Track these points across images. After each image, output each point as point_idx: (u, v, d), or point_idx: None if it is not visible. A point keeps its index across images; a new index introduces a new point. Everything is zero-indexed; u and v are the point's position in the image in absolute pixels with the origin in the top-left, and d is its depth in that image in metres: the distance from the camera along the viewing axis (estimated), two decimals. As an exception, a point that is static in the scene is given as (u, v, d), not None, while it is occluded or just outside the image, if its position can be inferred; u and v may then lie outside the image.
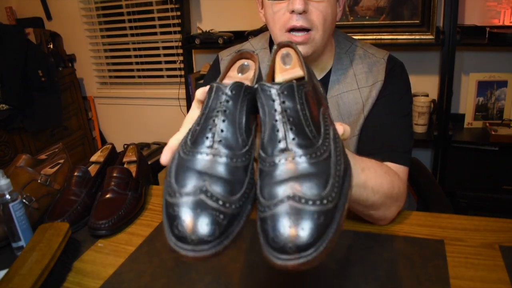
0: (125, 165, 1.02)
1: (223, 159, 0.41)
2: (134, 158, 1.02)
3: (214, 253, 0.36)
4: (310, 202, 0.36)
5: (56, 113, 2.44)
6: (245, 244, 0.75)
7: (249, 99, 0.45)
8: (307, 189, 0.37)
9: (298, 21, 0.76)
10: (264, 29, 1.89)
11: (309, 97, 0.45)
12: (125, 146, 1.07)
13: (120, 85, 2.85)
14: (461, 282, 0.62)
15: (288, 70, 0.54)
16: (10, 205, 0.73)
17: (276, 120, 0.42)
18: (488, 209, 1.86)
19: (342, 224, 0.37)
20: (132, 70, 2.76)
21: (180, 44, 2.34)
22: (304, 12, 0.76)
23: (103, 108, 2.92)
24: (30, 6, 2.72)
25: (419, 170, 1.20)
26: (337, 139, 0.44)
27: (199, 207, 0.37)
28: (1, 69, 2.07)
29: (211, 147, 0.41)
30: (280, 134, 0.42)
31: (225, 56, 0.99)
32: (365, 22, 1.98)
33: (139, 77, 2.77)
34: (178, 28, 2.44)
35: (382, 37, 1.94)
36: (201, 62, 2.48)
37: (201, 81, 2.14)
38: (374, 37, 1.95)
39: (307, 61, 0.86)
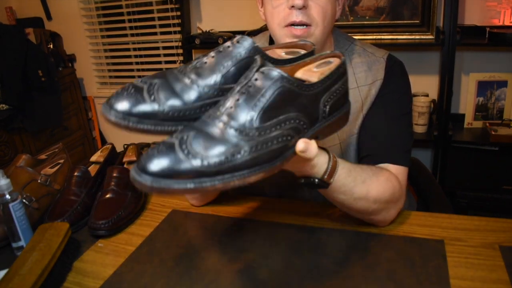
0: (125, 165, 1.02)
1: (186, 77, 0.53)
2: (134, 158, 1.02)
3: (114, 121, 0.49)
4: (195, 157, 0.43)
5: (56, 113, 2.43)
6: (245, 244, 0.75)
7: (246, 62, 0.54)
8: (195, 140, 0.45)
9: (298, 17, 0.76)
10: (264, 28, 1.89)
11: (283, 95, 0.50)
12: (125, 146, 1.07)
13: (120, 85, 2.83)
14: (461, 282, 0.62)
15: (309, 73, 0.57)
16: (10, 205, 0.73)
17: (241, 82, 0.50)
18: (488, 209, 1.85)
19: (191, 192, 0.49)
20: (132, 70, 2.76)
21: (180, 44, 2.34)
22: (304, 8, 0.76)
23: (103, 108, 2.92)
24: (30, 6, 2.72)
25: (419, 170, 1.20)
26: (273, 143, 0.49)
27: (136, 90, 0.51)
28: (1, 69, 2.07)
29: (189, 71, 0.55)
30: (233, 93, 0.49)
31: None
32: (365, 22, 1.98)
33: (139, 77, 2.77)
34: (178, 28, 2.44)
35: (382, 37, 1.94)
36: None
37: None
38: (374, 37, 1.95)
39: None
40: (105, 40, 2.74)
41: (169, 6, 2.44)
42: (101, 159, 1.01)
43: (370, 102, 0.85)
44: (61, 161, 0.98)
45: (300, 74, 0.58)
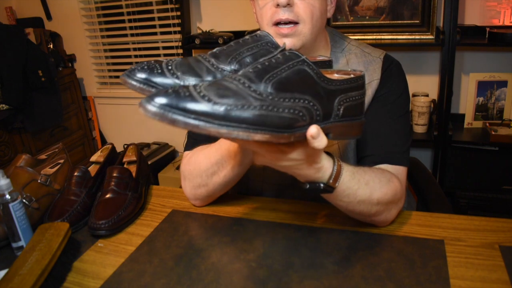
0: (125, 165, 1.02)
1: (202, 58, 0.58)
2: (134, 158, 1.02)
3: (134, 86, 0.54)
4: (201, 94, 0.46)
5: (56, 113, 2.43)
6: (245, 244, 0.75)
7: (265, 49, 0.60)
8: (214, 90, 0.47)
9: (283, 14, 0.76)
10: (264, 29, 1.89)
11: (303, 75, 0.52)
12: (125, 146, 1.07)
13: (120, 85, 2.85)
14: (461, 282, 0.62)
15: (330, 75, 0.60)
16: (10, 205, 0.73)
17: (260, 60, 0.53)
18: (488, 209, 1.86)
19: (211, 132, 0.46)
20: (132, 70, 2.76)
21: (180, 44, 2.34)
22: (289, 5, 0.76)
23: (103, 108, 2.92)
24: (30, 6, 2.72)
25: (419, 170, 1.20)
26: (293, 113, 0.51)
27: (156, 63, 0.57)
28: (1, 69, 2.07)
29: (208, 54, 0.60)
30: (249, 66, 0.52)
31: None
32: (365, 22, 1.98)
33: (139, 77, 2.76)
34: (178, 28, 2.44)
35: (382, 37, 1.94)
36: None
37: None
38: (374, 37, 1.95)
39: None
40: (105, 40, 2.74)
41: (169, 6, 2.45)
42: (101, 159, 1.01)
43: (367, 102, 0.85)
44: (61, 161, 0.98)
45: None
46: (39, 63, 2.25)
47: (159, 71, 0.55)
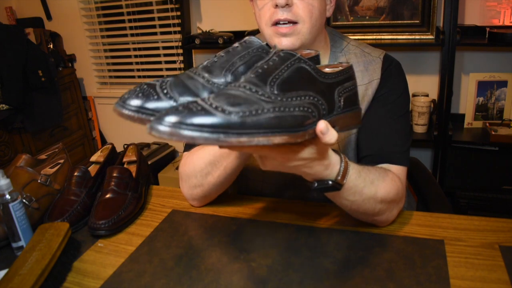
0: (125, 165, 1.02)
1: (196, 75, 0.56)
2: (134, 158, 1.02)
3: (128, 115, 0.50)
4: (214, 106, 0.44)
5: (56, 113, 2.43)
6: (245, 244, 0.75)
7: (257, 55, 0.58)
8: (218, 97, 0.46)
9: (282, 15, 0.76)
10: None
11: (301, 73, 0.53)
12: (125, 146, 1.07)
13: (120, 85, 2.85)
14: (461, 282, 0.62)
15: (322, 69, 0.59)
16: (10, 205, 0.73)
17: (256, 66, 0.52)
18: (488, 209, 1.86)
19: (227, 144, 0.45)
20: (132, 70, 2.76)
21: (180, 44, 2.34)
22: (287, 6, 0.76)
23: (103, 108, 2.92)
24: (30, 6, 2.72)
25: (419, 170, 1.20)
26: (303, 112, 0.51)
27: (149, 87, 0.52)
28: (1, 69, 2.07)
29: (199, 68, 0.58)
30: (249, 73, 0.51)
31: None
32: (365, 22, 1.98)
33: (139, 77, 2.77)
34: (178, 28, 2.44)
35: (382, 37, 1.94)
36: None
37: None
38: (374, 37, 1.95)
39: None
40: (105, 40, 2.74)
41: (169, 6, 2.45)
42: (101, 159, 1.01)
43: (367, 102, 0.85)
44: (61, 161, 0.98)
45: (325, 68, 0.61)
46: (39, 63, 2.25)
47: (155, 96, 0.51)
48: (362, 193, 0.68)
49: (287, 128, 0.48)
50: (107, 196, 0.86)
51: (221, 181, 0.81)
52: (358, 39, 0.96)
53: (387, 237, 0.75)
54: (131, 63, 2.74)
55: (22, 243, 0.75)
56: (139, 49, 2.70)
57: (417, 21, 1.89)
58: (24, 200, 0.82)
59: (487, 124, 1.87)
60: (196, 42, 2.22)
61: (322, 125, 0.52)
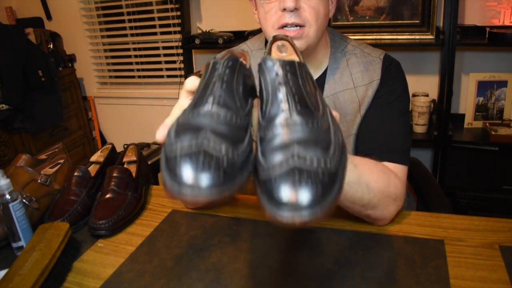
0: (125, 165, 1.02)
1: (222, 118, 0.42)
2: (134, 158, 1.02)
3: (217, 196, 0.35)
4: (315, 163, 0.37)
5: (56, 113, 2.43)
6: (245, 244, 0.75)
7: (244, 75, 0.47)
8: (310, 151, 0.38)
9: (290, 19, 0.77)
10: (264, 29, 1.89)
11: (307, 75, 0.48)
12: (125, 146, 1.07)
13: (120, 85, 2.85)
14: (461, 282, 0.62)
15: (284, 57, 0.56)
16: (10, 205, 0.73)
17: (280, 91, 0.44)
18: (488, 209, 1.86)
19: (342, 190, 0.38)
20: (132, 70, 2.76)
21: (180, 44, 2.34)
22: (295, 9, 0.76)
23: (103, 108, 2.92)
24: (30, 6, 2.72)
25: (419, 170, 1.20)
26: (334, 118, 0.46)
27: (201, 155, 0.36)
28: (1, 69, 2.07)
29: (210, 109, 0.42)
30: (283, 105, 0.43)
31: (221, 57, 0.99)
32: (365, 22, 1.98)
33: (139, 77, 2.77)
34: (178, 28, 2.44)
35: (382, 37, 1.94)
36: (201, 62, 2.48)
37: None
38: (374, 37, 1.95)
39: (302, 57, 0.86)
40: (105, 40, 2.74)
41: (169, 6, 2.45)
42: (101, 159, 1.01)
43: (367, 103, 0.85)
44: (61, 161, 0.98)
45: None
46: (39, 63, 2.25)
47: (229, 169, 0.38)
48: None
49: (344, 150, 0.43)
50: (107, 196, 0.86)
51: None
52: (358, 39, 0.96)
53: (387, 237, 0.75)
54: (131, 63, 2.74)
55: (22, 243, 0.75)
56: (139, 49, 2.70)
57: (417, 21, 1.89)
58: (24, 200, 0.82)
59: (487, 124, 1.87)
60: (196, 42, 2.22)
61: (336, 114, 0.52)
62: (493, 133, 1.78)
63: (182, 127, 0.41)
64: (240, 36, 2.18)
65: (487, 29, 1.78)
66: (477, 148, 1.86)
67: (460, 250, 0.69)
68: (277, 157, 0.38)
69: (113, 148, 1.06)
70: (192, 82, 0.51)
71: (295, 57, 0.55)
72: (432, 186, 1.12)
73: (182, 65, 2.42)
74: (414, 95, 1.95)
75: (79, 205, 0.85)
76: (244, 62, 0.49)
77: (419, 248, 0.70)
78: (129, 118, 2.85)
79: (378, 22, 1.96)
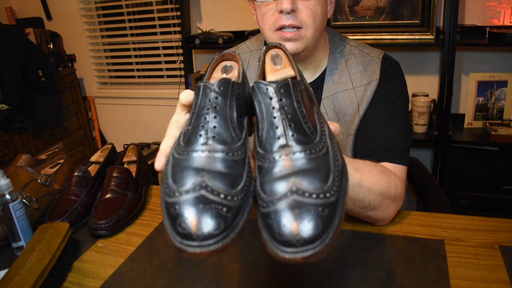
0: (125, 165, 1.02)
1: (219, 154, 0.41)
2: (134, 158, 1.02)
3: (221, 247, 0.35)
4: (314, 196, 0.36)
5: (56, 113, 2.43)
6: (245, 244, 0.75)
7: (237, 95, 0.46)
8: (309, 183, 0.37)
9: (287, 20, 0.77)
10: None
11: (303, 95, 0.46)
12: (125, 146, 1.07)
13: (120, 85, 2.85)
14: (461, 282, 0.62)
15: (279, 70, 0.55)
16: (10, 205, 0.73)
17: (275, 117, 0.43)
18: (488, 209, 1.86)
19: (343, 218, 0.38)
20: (132, 70, 2.76)
21: (180, 44, 2.34)
22: (292, 11, 0.76)
23: (103, 108, 2.92)
24: (30, 6, 2.72)
25: (419, 170, 1.20)
26: (332, 135, 0.45)
27: (201, 203, 0.36)
28: (1, 69, 2.07)
29: (205, 144, 0.41)
30: (279, 131, 0.42)
31: None
32: (365, 22, 1.98)
33: (139, 77, 2.77)
34: (178, 28, 2.44)
35: (382, 37, 1.94)
36: (201, 62, 2.48)
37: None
38: (374, 37, 1.95)
39: (299, 59, 0.86)
40: (105, 40, 2.74)
41: (169, 6, 2.45)
42: (101, 159, 1.01)
43: (366, 103, 0.85)
44: (61, 161, 0.98)
45: (272, 77, 0.54)
46: (39, 63, 2.25)
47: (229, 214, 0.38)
48: None
49: (345, 172, 0.43)
50: (107, 196, 0.86)
51: None
52: (358, 39, 0.96)
53: (387, 237, 0.75)
54: (131, 63, 2.74)
55: (22, 243, 0.75)
56: (139, 49, 2.70)
57: (417, 21, 1.89)
58: (24, 200, 0.82)
59: (487, 124, 1.87)
60: (196, 42, 2.22)
61: (333, 127, 0.50)
62: (493, 133, 1.78)
63: (178, 167, 0.40)
64: (240, 36, 2.18)
65: (487, 29, 1.78)
66: (477, 148, 1.86)
67: (460, 250, 0.69)
68: (277, 189, 0.38)
69: (113, 148, 1.06)
70: (186, 97, 0.50)
71: (289, 70, 0.54)
72: (432, 186, 1.12)
73: (182, 65, 2.42)
74: (414, 95, 1.95)
75: (79, 205, 0.85)
76: (236, 81, 0.47)
77: (419, 248, 0.70)
78: (129, 118, 2.85)
79: (378, 22, 1.96)
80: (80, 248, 0.78)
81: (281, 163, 0.40)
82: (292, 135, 0.41)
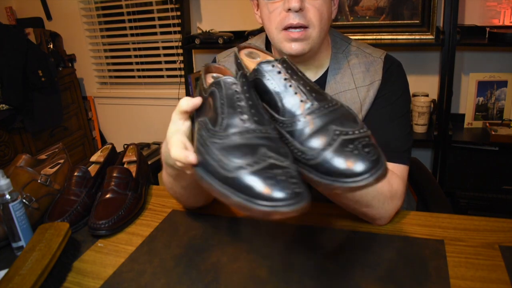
0: (125, 165, 1.02)
1: (261, 133, 0.45)
2: (134, 158, 1.02)
3: (293, 210, 0.38)
4: (356, 132, 0.42)
5: (56, 113, 2.43)
6: (245, 244, 0.75)
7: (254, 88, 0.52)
8: (346, 125, 0.43)
9: (294, 19, 0.76)
10: (263, 29, 1.89)
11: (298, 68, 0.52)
12: (125, 146, 1.07)
13: (120, 85, 2.85)
14: (461, 282, 0.62)
15: (260, 61, 0.58)
16: (10, 205, 0.73)
17: (290, 86, 0.48)
18: (488, 209, 1.86)
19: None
20: (132, 70, 2.76)
21: (180, 44, 2.34)
22: (300, 10, 0.76)
23: (103, 108, 2.92)
24: (30, 6, 2.72)
25: (419, 170, 1.20)
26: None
27: (274, 168, 0.40)
28: (1, 69, 2.07)
29: (249, 126, 0.45)
30: (299, 96, 0.47)
31: (222, 58, 0.99)
32: (365, 22, 1.98)
33: (139, 77, 2.77)
34: (178, 28, 2.44)
35: (382, 37, 1.94)
36: (201, 62, 2.48)
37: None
38: (374, 37, 1.95)
39: (303, 59, 0.86)
40: (105, 40, 2.74)
41: (169, 6, 2.45)
42: (101, 159, 1.01)
43: (368, 104, 0.85)
44: (61, 161, 0.98)
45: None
46: (39, 63, 2.25)
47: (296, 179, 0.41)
48: None
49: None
50: (107, 196, 0.86)
51: (189, 198, 0.81)
52: (358, 39, 0.96)
53: (387, 237, 0.75)
54: (131, 63, 2.74)
55: (22, 243, 0.75)
56: (139, 49, 2.70)
57: (417, 21, 1.89)
58: (24, 200, 0.82)
59: (487, 124, 1.87)
60: (196, 42, 2.22)
61: None
62: (493, 133, 1.78)
63: (227, 149, 0.43)
64: (240, 36, 2.18)
65: (487, 29, 1.78)
66: (477, 148, 1.86)
67: (460, 250, 0.69)
68: (320, 141, 0.43)
69: (113, 148, 1.06)
70: (188, 103, 0.51)
71: (269, 57, 0.59)
72: (432, 186, 1.12)
73: (182, 65, 2.41)
74: (414, 95, 1.95)
75: (79, 205, 0.85)
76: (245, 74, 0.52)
77: (419, 248, 0.70)
78: (129, 118, 2.85)
79: (378, 22, 1.96)
80: (80, 248, 0.78)
81: (310, 120, 0.45)
82: (311, 95, 0.47)
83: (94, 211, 0.83)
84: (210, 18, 2.37)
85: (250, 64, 0.59)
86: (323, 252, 0.71)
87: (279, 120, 0.47)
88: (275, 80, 0.48)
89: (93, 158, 1.03)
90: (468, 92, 1.91)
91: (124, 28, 2.66)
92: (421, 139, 1.93)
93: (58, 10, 2.72)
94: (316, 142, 0.43)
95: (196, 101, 0.55)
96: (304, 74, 0.51)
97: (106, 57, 2.79)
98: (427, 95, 1.95)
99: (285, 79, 0.48)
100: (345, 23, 2.00)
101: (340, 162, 0.40)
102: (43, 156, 0.99)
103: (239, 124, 0.45)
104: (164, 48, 2.62)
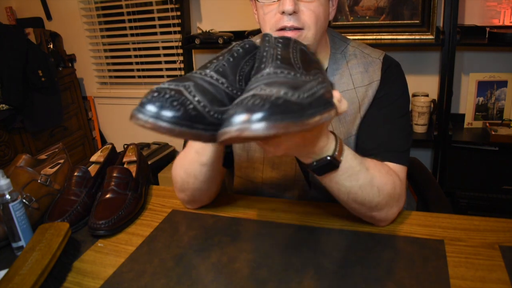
0: (125, 165, 1.02)
1: (214, 80, 0.51)
2: (134, 158, 1.02)
3: (168, 128, 0.44)
4: (274, 93, 0.43)
5: (56, 113, 2.43)
6: (245, 244, 0.75)
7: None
8: (273, 88, 0.44)
9: (289, 22, 0.76)
10: (264, 29, 1.89)
11: (302, 51, 0.55)
12: (125, 146, 1.07)
13: (120, 85, 2.85)
14: (461, 282, 0.62)
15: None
16: (10, 205, 0.73)
17: (267, 53, 0.52)
18: (488, 209, 1.86)
19: (305, 127, 0.43)
20: (132, 70, 2.76)
21: (180, 44, 2.34)
22: (294, 13, 0.76)
23: (103, 108, 2.92)
24: (30, 6, 2.72)
25: (419, 170, 1.20)
26: (328, 87, 0.52)
27: (172, 93, 0.46)
28: (1, 69, 2.07)
29: (208, 72, 0.52)
30: (267, 62, 0.50)
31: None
32: (365, 22, 1.98)
33: (139, 77, 2.77)
34: (178, 28, 2.44)
35: (382, 37, 1.94)
36: (201, 62, 2.48)
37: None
38: (374, 37, 1.95)
39: None
40: (105, 40, 2.74)
41: (169, 6, 2.45)
42: (101, 159, 1.01)
43: (367, 104, 0.85)
44: (61, 161, 0.98)
45: None
46: (39, 63, 2.25)
47: (193, 112, 0.46)
48: (358, 178, 0.67)
49: (327, 105, 0.49)
50: (107, 196, 0.86)
51: (201, 183, 0.81)
52: (358, 39, 0.96)
53: (387, 237, 0.75)
54: (131, 63, 2.74)
55: (22, 243, 0.75)
56: (139, 49, 2.70)
57: (417, 21, 1.89)
58: (24, 200, 0.82)
59: (487, 124, 1.87)
60: (196, 42, 2.22)
61: (338, 94, 0.54)
62: (493, 133, 1.78)
63: (177, 79, 0.50)
64: (240, 36, 2.18)
65: (487, 29, 1.78)
66: (477, 148, 1.86)
67: (460, 250, 0.69)
68: (243, 96, 0.45)
69: (113, 148, 1.06)
70: None
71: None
72: (432, 186, 1.12)
73: (182, 65, 2.42)
74: (414, 95, 1.95)
75: (79, 205, 0.85)
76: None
77: (419, 248, 0.70)
78: (129, 118, 2.85)
79: (378, 22, 1.96)
80: (80, 248, 0.78)
81: (258, 81, 0.47)
82: (276, 63, 0.50)
83: (94, 211, 0.83)
84: (210, 18, 2.37)
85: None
86: (323, 252, 0.71)
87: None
88: (262, 48, 0.53)
89: (93, 158, 1.03)
90: (468, 92, 1.91)
91: (124, 28, 2.66)
92: (421, 139, 1.93)
93: (58, 10, 2.72)
94: (247, 90, 0.46)
95: None
96: (305, 57, 0.53)
97: (106, 57, 2.79)
98: (427, 95, 1.95)
99: (269, 47, 0.53)
100: (345, 23, 2.00)
101: (235, 112, 0.42)
102: (43, 156, 0.99)
103: (203, 68, 0.53)
104: (164, 48, 2.62)
